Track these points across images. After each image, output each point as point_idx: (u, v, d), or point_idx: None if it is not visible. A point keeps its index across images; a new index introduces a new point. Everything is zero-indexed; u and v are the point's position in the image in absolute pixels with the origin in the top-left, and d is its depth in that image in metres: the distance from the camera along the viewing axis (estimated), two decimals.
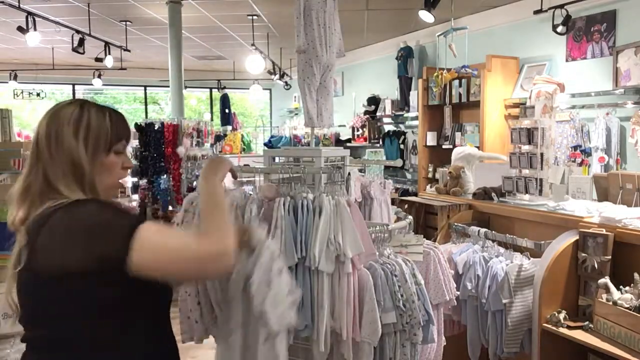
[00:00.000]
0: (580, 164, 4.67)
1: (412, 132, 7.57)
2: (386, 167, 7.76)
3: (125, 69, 9.56)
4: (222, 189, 1.42)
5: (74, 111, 1.32)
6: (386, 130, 8.14)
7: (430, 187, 4.81)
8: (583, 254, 2.50)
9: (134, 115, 13.31)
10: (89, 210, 1.23)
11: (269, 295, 1.53)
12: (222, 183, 1.46)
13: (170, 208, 5.90)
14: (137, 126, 6.05)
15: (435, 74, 5.98)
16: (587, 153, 4.82)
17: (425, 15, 5.12)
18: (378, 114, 8.30)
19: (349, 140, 8.97)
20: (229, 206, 1.38)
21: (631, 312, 2.17)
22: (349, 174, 2.53)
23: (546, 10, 4.81)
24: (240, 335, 1.63)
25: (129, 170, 1.48)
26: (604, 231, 2.45)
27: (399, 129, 8.04)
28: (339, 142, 9.18)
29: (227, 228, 1.29)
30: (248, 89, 10.98)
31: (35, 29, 6.00)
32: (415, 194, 6.03)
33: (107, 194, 1.37)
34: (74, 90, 11.97)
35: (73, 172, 1.29)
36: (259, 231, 1.63)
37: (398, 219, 2.72)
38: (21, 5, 5.76)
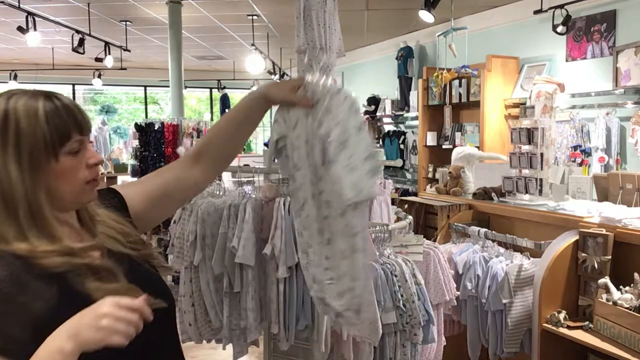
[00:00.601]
0: (580, 164, 4.66)
1: (412, 132, 7.57)
2: (386, 167, 7.75)
3: (125, 69, 9.55)
4: None
5: None
6: (386, 130, 8.14)
7: (430, 187, 4.81)
8: (583, 254, 2.50)
9: (134, 115, 13.32)
10: None
11: (342, 155, 1.21)
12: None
13: None
14: (137, 126, 6.06)
15: (435, 74, 5.98)
16: (587, 153, 4.81)
17: (425, 15, 5.11)
18: (378, 114, 8.30)
19: None
20: None
21: (631, 312, 2.17)
22: None
23: (546, 10, 4.80)
24: (314, 207, 1.30)
25: (101, 166, 1.14)
26: (604, 231, 2.45)
27: (399, 129, 8.04)
28: None
29: None
30: (248, 89, 10.98)
31: (35, 29, 6.00)
32: (415, 194, 6.03)
33: (74, 201, 1.06)
34: (74, 90, 11.97)
35: (6, 208, 0.97)
36: (320, 81, 1.33)
37: (398, 219, 2.72)
38: (21, 5, 5.75)
